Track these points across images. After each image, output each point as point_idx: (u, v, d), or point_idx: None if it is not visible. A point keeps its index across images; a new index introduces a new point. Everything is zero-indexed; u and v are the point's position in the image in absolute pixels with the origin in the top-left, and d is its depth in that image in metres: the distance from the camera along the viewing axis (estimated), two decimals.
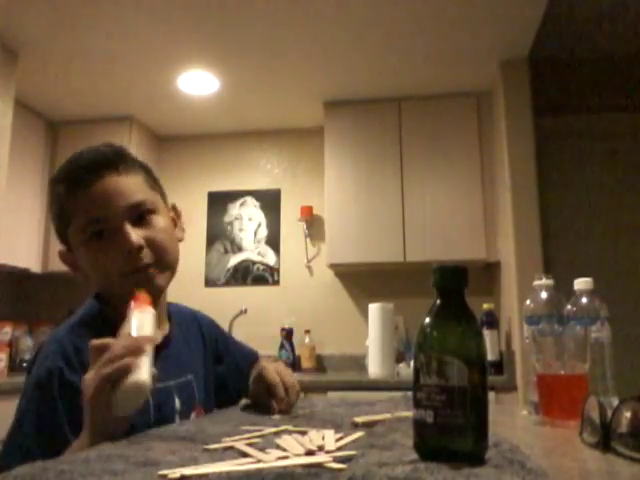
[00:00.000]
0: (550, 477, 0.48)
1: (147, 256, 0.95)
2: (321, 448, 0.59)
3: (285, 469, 0.50)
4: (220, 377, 1.19)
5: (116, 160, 0.98)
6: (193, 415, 1.03)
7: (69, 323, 0.98)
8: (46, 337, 0.97)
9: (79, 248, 0.98)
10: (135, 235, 0.94)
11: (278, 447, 0.61)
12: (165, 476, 0.48)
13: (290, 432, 0.72)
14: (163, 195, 1.08)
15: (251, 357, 1.26)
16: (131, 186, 0.97)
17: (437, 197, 3.32)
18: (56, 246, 1.09)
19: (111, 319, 0.94)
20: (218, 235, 3.91)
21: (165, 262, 0.99)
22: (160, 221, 1.00)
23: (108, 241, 0.94)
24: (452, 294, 0.59)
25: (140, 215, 0.97)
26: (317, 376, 3.26)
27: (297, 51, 3.01)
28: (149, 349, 0.76)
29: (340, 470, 0.50)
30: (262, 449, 0.60)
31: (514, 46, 2.97)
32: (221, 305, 3.64)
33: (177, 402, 0.99)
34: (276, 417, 0.93)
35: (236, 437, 0.69)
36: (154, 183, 1.05)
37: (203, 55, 3.04)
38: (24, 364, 3.25)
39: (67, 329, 0.96)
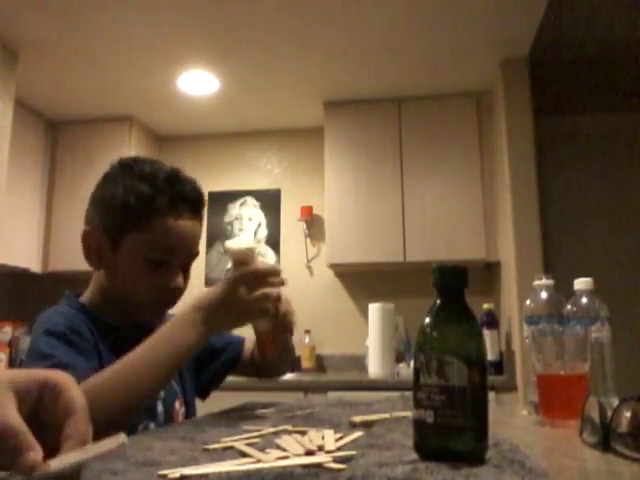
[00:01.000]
0: (550, 477, 0.48)
1: (175, 298, 1.07)
2: (321, 448, 0.59)
3: (285, 469, 0.50)
4: (193, 362, 1.23)
5: (203, 207, 1.11)
6: (177, 403, 1.11)
7: (54, 307, 1.05)
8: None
9: (133, 256, 1.01)
10: (181, 279, 1.05)
11: (278, 447, 0.61)
12: (165, 476, 0.48)
13: (290, 432, 0.72)
14: None
15: (226, 337, 1.29)
16: (199, 235, 1.09)
17: (437, 197, 3.32)
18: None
19: (90, 313, 1.04)
20: (218, 235, 3.91)
21: (172, 307, 1.11)
22: (190, 271, 1.11)
23: (160, 269, 1.02)
24: (452, 294, 0.59)
25: (188, 265, 1.08)
26: (317, 376, 3.26)
27: (297, 51, 3.01)
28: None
29: (340, 470, 0.50)
30: (262, 449, 0.60)
31: (514, 46, 2.97)
32: None
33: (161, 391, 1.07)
34: None
35: (236, 437, 0.69)
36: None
37: (203, 55, 3.04)
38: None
39: (55, 308, 1.04)
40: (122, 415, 0.85)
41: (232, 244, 0.95)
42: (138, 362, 0.87)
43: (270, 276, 0.94)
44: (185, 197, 1.04)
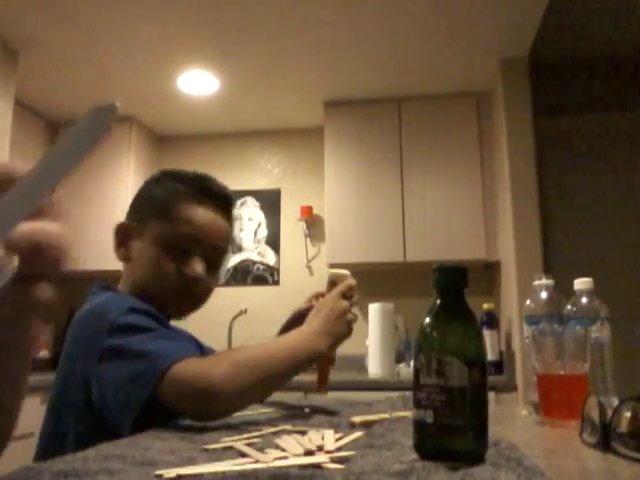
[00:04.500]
0: (546, 475, 0.48)
1: (198, 290, 1.06)
2: (320, 448, 0.58)
3: (280, 469, 0.49)
4: None
5: (231, 209, 1.13)
6: None
7: (110, 295, 1.03)
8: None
9: (155, 243, 1.03)
10: (200, 269, 1.04)
11: (277, 447, 0.61)
12: (161, 476, 0.48)
13: (289, 432, 0.72)
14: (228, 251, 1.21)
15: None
16: (227, 235, 1.11)
17: (437, 197, 3.32)
18: None
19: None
20: None
21: (199, 304, 1.10)
22: (219, 272, 1.12)
23: (181, 259, 1.03)
24: (452, 294, 0.59)
25: (213, 260, 1.08)
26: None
27: (297, 51, 3.00)
28: None
29: (337, 470, 0.50)
30: (261, 449, 0.59)
31: (514, 46, 2.97)
32: (221, 305, 3.64)
33: None
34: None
35: (235, 437, 0.69)
36: (230, 240, 1.19)
37: (203, 55, 3.04)
38: None
39: (112, 295, 1.03)
40: (257, 393, 0.88)
41: (336, 270, 1.15)
42: (278, 355, 0.90)
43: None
44: (210, 191, 1.07)
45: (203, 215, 1.05)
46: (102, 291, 1.04)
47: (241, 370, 0.83)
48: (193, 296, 1.07)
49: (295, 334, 0.95)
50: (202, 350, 1.24)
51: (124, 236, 1.06)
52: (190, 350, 0.90)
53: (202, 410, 0.82)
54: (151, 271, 1.02)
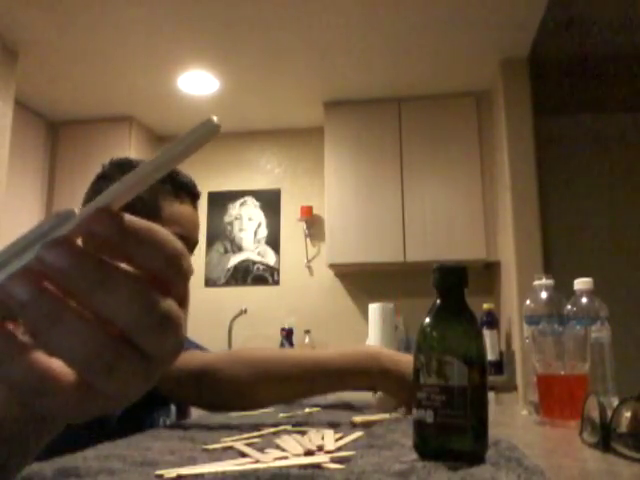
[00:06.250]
0: (546, 475, 0.48)
1: None
2: (320, 448, 0.58)
3: (280, 469, 0.49)
4: None
5: (199, 198, 1.12)
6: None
7: None
8: None
9: None
10: None
11: (278, 447, 0.61)
12: (162, 476, 0.48)
13: (290, 432, 0.72)
14: None
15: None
16: (199, 225, 1.12)
17: (437, 197, 3.32)
18: None
19: None
20: (218, 235, 3.91)
21: None
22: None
23: None
24: (452, 294, 0.59)
25: (191, 252, 1.09)
26: None
27: (297, 51, 3.00)
28: None
29: (338, 470, 0.50)
30: (261, 449, 0.59)
31: (514, 46, 2.97)
32: (221, 305, 3.64)
33: None
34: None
35: (235, 437, 0.69)
36: None
37: (203, 55, 3.04)
38: None
39: None
40: (270, 399, 0.90)
41: None
42: (310, 369, 0.91)
43: None
44: (185, 186, 1.06)
45: (185, 212, 1.05)
46: None
47: (245, 367, 0.86)
48: None
49: (348, 357, 0.95)
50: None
51: None
52: (191, 345, 0.93)
53: (205, 399, 0.87)
54: None
